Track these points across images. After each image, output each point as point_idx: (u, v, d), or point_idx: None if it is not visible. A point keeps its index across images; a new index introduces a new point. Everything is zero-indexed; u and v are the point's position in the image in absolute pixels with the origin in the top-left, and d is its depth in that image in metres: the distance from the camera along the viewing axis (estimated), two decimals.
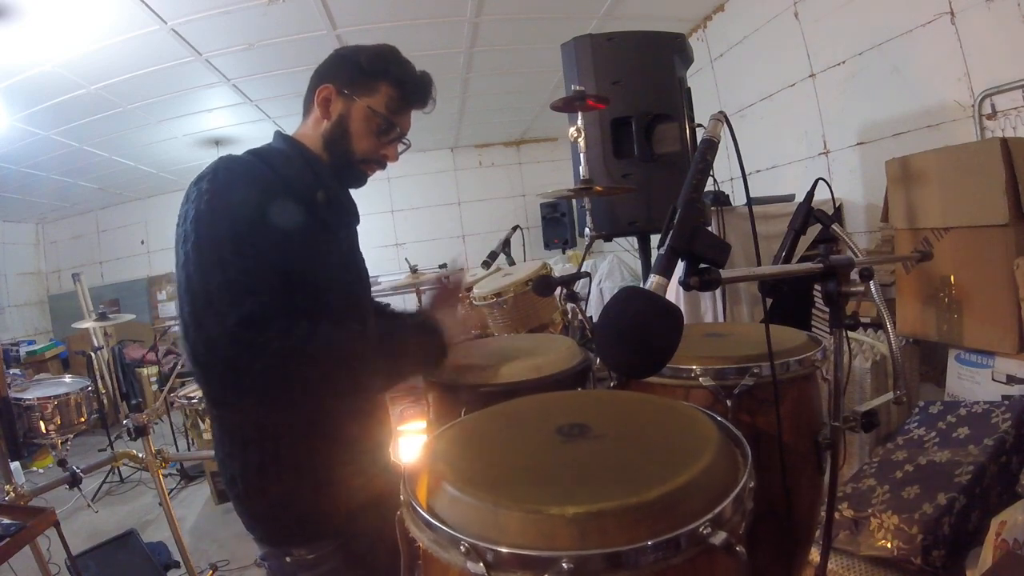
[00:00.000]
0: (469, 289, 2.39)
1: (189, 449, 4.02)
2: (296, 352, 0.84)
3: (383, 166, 1.14)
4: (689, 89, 2.23)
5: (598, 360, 1.16)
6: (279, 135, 1.10)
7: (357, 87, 1.06)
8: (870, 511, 1.59)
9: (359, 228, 1.26)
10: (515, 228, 2.91)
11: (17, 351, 5.69)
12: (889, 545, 1.52)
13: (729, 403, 0.99)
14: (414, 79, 1.10)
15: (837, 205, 2.71)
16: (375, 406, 1.14)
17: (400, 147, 1.15)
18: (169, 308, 6.68)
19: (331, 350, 0.88)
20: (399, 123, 1.10)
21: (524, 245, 3.44)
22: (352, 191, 1.18)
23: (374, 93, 1.06)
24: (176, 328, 0.92)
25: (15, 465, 2.55)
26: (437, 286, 1.30)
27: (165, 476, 2.48)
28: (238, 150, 1.03)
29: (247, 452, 0.99)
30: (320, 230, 1.03)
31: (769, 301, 1.06)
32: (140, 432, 2.23)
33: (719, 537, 0.55)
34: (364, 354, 0.92)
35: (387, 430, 1.19)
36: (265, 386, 0.84)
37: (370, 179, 1.16)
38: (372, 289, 1.40)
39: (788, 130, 3.43)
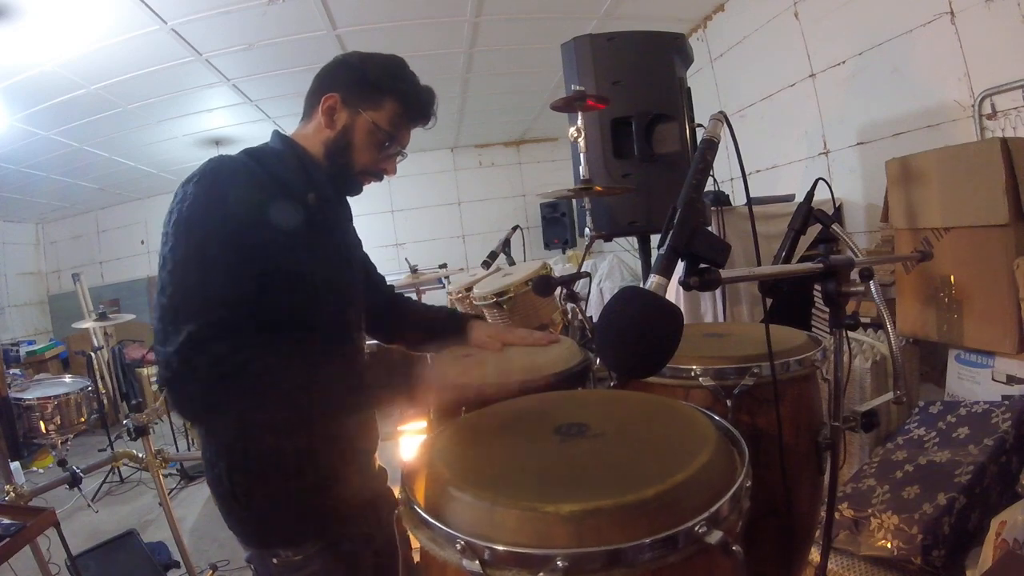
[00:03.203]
0: (469, 289, 2.39)
1: (189, 449, 4.04)
2: (226, 379, 0.81)
3: (380, 178, 1.15)
4: (689, 89, 2.23)
5: (598, 360, 1.15)
6: (277, 135, 1.10)
7: (363, 101, 1.06)
8: (870, 511, 1.59)
9: (358, 228, 1.26)
10: (515, 228, 2.90)
11: (17, 351, 5.69)
12: (889, 545, 1.52)
13: (729, 403, 0.99)
14: (418, 97, 1.11)
15: (837, 205, 2.72)
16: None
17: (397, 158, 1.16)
18: None
19: (265, 382, 0.84)
20: (400, 138, 1.12)
21: (524, 245, 3.44)
22: None
23: (379, 108, 1.06)
24: None
25: (15, 465, 2.55)
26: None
27: (165, 476, 2.48)
28: (238, 150, 1.03)
29: (232, 452, 0.99)
30: (310, 231, 1.03)
31: (769, 301, 1.05)
32: (140, 432, 2.23)
33: (715, 536, 0.55)
34: (305, 390, 0.87)
35: (374, 434, 1.19)
36: (199, 408, 0.86)
37: None
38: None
39: (788, 130, 3.43)
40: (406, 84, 1.09)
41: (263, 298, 0.91)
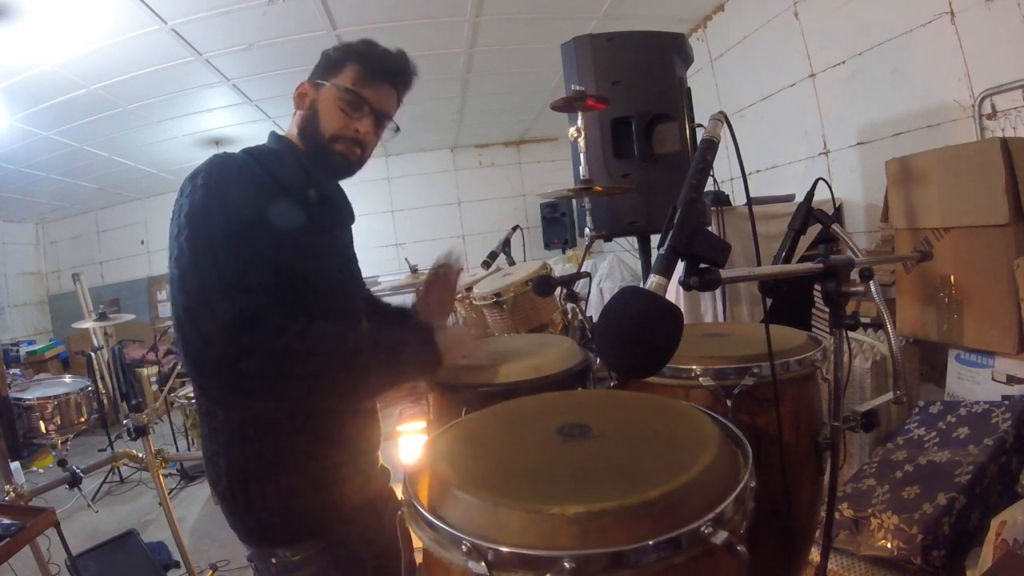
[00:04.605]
0: (469, 289, 2.39)
1: (189, 449, 4.02)
2: (291, 350, 0.84)
3: (359, 144, 1.09)
4: (689, 89, 2.23)
5: (598, 360, 1.16)
6: (273, 135, 1.11)
7: (326, 74, 1.08)
8: (870, 511, 1.59)
9: (358, 227, 1.26)
10: (515, 228, 2.91)
11: (17, 351, 5.69)
12: (889, 545, 1.52)
13: (729, 403, 0.99)
14: (379, 53, 1.09)
15: (837, 205, 2.72)
16: (363, 408, 1.14)
17: (387, 133, 1.13)
18: (169, 307, 6.68)
19: (327, 348, 0.88)
20: (368, 97, 1.07)
21: (524, 245, 3.44)
22: (352, 191, 1.18)
23: (339, 74, 1.07)
24: None
25: (15, 465, 2.55)
26: (430, 278, 1.30)
27: (165, 476, 2.48)
28: (237, 150, 1.04)
29: (232, 450, 0.99)
30: (312, 229, 1.03)
31: (769, 301, 1.06)
32: (140, 432, 2.23)
33: (720, 536, 0.55)
34: (360, 352, 0.92)
35: (376, 434, 1.18)
36: (260, 384, 0.85)
37: (370, 179, 1.17)
38: (372, 289, 1.40)
39: (788, 130, 3.43)
40: (366, 47, 1.09)
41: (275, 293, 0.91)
